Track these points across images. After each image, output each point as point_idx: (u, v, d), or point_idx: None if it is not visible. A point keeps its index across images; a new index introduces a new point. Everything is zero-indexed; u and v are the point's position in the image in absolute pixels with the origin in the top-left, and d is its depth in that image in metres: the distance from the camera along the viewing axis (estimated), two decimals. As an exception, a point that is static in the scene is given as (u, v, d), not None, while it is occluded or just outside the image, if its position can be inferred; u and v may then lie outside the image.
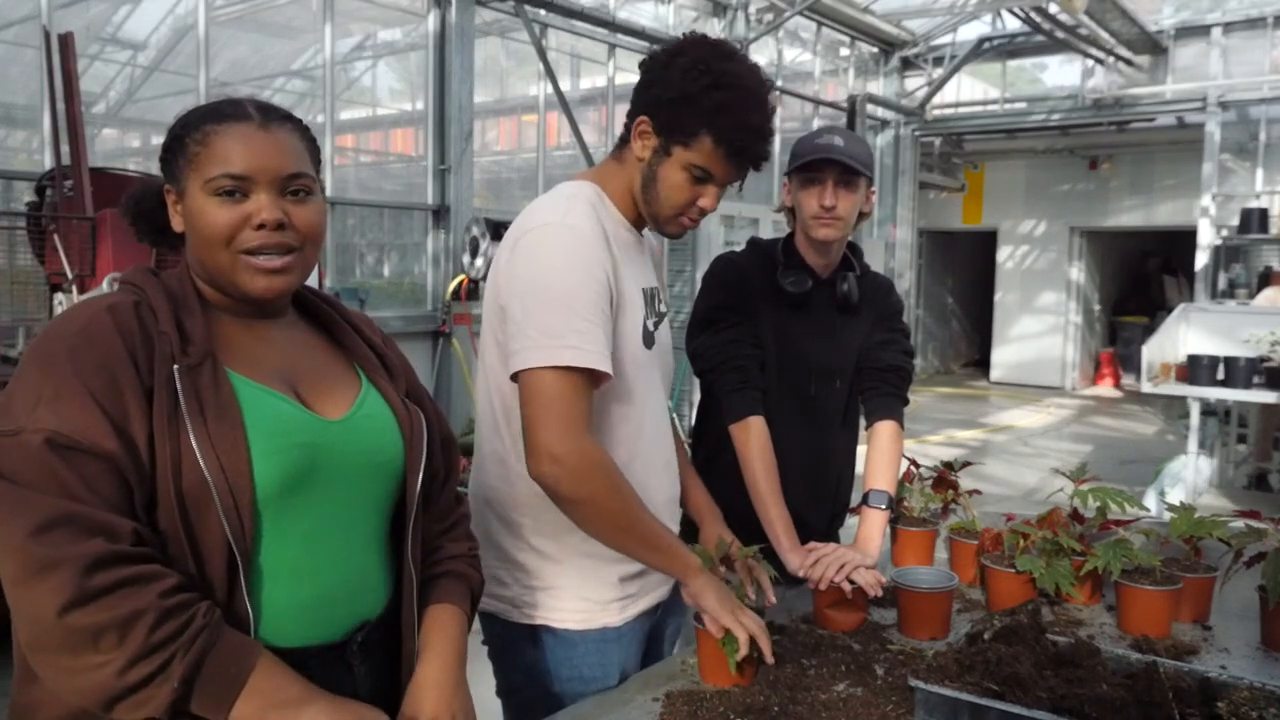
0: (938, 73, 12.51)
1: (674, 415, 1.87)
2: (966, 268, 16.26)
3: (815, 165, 1.96)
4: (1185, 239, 11.70)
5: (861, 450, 2.14)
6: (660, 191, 1.60)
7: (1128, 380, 14.04)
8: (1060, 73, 12.49)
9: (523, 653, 1.66)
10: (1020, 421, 11.34)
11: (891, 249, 12.48)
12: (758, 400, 1.98)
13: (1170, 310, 7.71)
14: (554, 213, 1.56)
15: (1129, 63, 11.28)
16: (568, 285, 1.49)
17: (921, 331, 15.06)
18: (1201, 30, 11.03)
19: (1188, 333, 6.92)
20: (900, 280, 12.25)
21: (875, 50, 12.38)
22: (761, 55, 10.24)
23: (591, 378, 1.49)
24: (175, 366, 1.09)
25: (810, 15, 10.46)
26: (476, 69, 7.57)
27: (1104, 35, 10.39)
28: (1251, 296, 8.90)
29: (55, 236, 4.18)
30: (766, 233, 7.71)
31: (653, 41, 8.30)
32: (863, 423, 2.15)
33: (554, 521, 1.56)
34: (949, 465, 2.20)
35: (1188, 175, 11.92)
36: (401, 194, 8.05)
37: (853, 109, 10.57)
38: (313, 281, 1.37)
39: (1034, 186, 14.33)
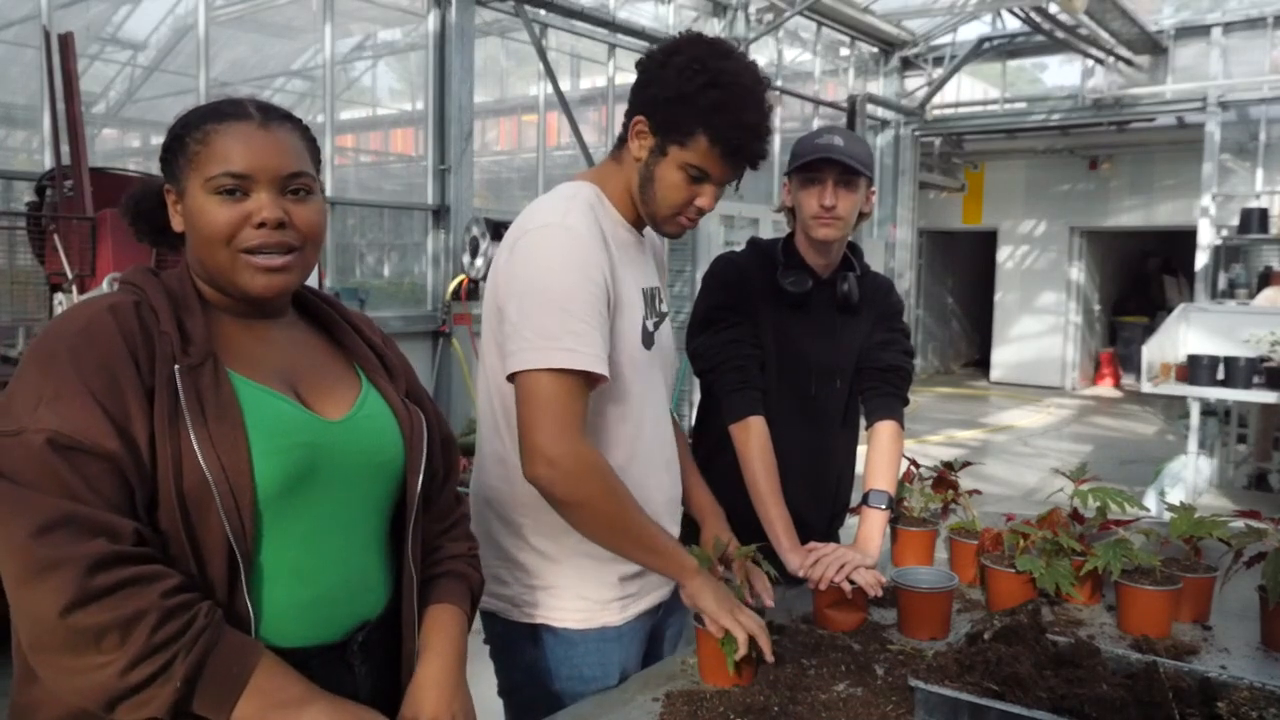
0: (938, 73, 12.51)
1: (674, 415, 1.87)
2: (966, 268, 16.26)
3: (815, 165, 1.96)
4: (1185, 239, 11.71)
5: (861, 450, 2.14)
6: (657, 191, 1.60)
7: (1128, 380, 14.04)
8: (1060, 73, 12.50)
9: (523, 652, 1.66)
10: (1020, 421, 11.34)
11: (891, 249, 12.48)
12: (758, 400, 1.98)
13: (1170, 310, 7.71)
14: (552, 214, 1.56)
15: (1129, 63, 11.28)
16: (564, 287, 1.49)
17: (921, 331, 15.06)
18: (1201, 30, 11.03)
19: (1188, 333, 6.91)
20: (900, 280, 12.25)
21: (875, 50, 12.38)
22: (761, 55, 10.24)
23: (587, 379, 1.50)
24: (176, 367, 1.09)
25: (810, 15, 10.46)
26: (476, 69, 7.58)
27: (1104, 35, 10.40)
28: (1251, 296, 8.90)
29: (55, 236, 4.18)
30: (766, 233, 7.71)
31: (653, 41, 8.29)
32: (863, 423, 2.15)
33: (554, 521, 1.56)
34: (949, 465, 2.20)
35: (1188, 175, 11.92)
36: (401, 194, 8.05)
37: (853, 109, 10.57)
38: (313, 281, 1.37)
39: (1034, 186, 14.33)
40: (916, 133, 12.82)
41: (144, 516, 1.06)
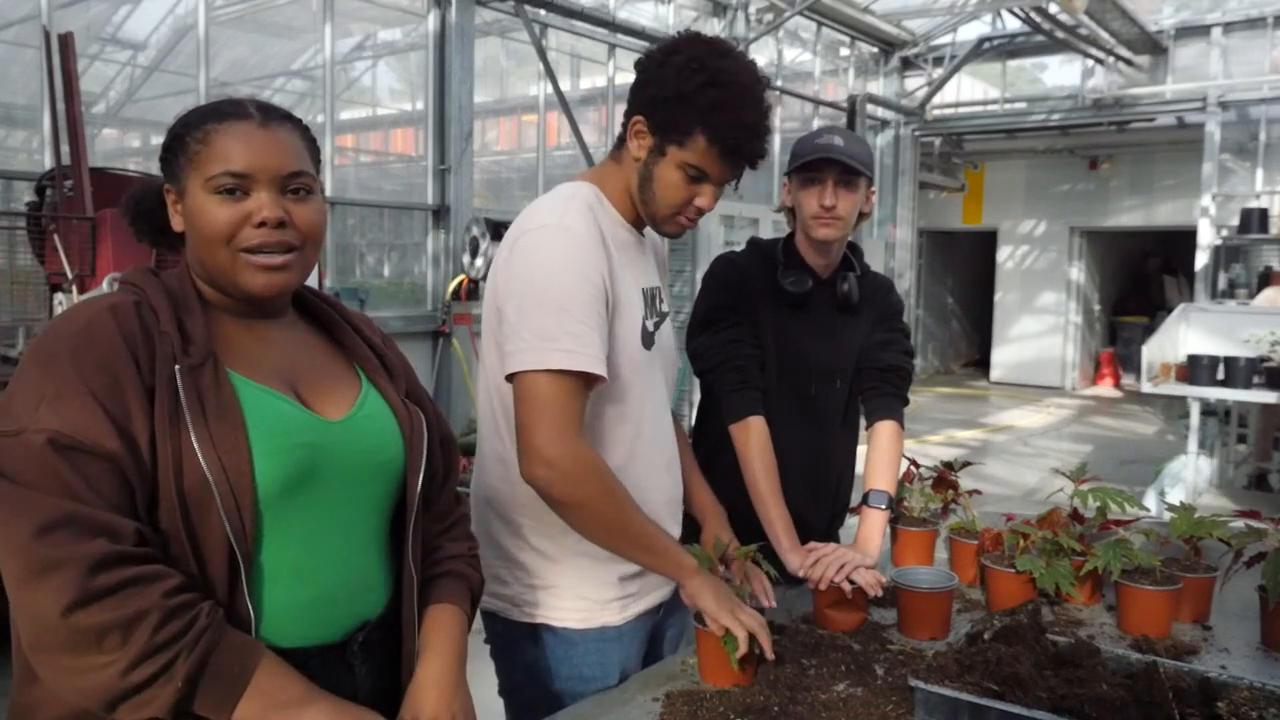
0: (938, 73, 12.51)
1: (676, 415, 1.87)
2: (966, 268, 16.26)
3: (815, 165, 1.96)
4: (1185, 239, 11.70)
5: (861, 450, 2.14)
6: (656, 191, 1.60)
7: (1128, 380, 14.04)
8: (1060, 73, 12.50)
9: (523, 651, 1.66)
10: (1020, 421, 11.34)
11: (891, 249, 12.48)
12: (758, 400, 1.98)
13: (1170, 310, 7.71)
14: (550, 215, 1.56)
15: (1129, 63, 11.28)
16: (562, 287, 1.49)
17: (921, 331, 15.06)
18: (1201, 30, 11.03)
19: (1188, 333, 6.92)
20: (900, 280, 12.25)
21: (875, 50, 12.38)
22: (761, 55, 10.24)
23: (585, 380, 1.50)
24: (176, 367, 1.09)
25: (810, 15, 10.46)
26: (476, 69, 7.58)
27: (1104, 35, 10.40)
28: (1251, 296, 8.90)
29: (55, 236, 4.18)
30: (766, 233, 7.71)
31: (653, 41, 8.29)
32: (863, 423, 2.15)
33: (554, 521, 1.56)
34: (949, 465, 2.20)
35: (1188, 175, 11.92)
36: (401, 194, 8.05)
37: (853, 109, 10.57)
38: (312, 281, 1.37)
39: (1034, 186, 14.33)
40: (916, 133, 12.82)
41: (144, 516, 1.06)
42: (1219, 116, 10.69)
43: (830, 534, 2.16)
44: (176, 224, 1.21)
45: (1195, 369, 6.37)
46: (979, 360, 16.39)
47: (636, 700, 1.50)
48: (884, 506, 1.98)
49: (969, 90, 13.29)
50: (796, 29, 11.05)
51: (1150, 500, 6.17)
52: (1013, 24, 11.37)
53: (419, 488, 1.28)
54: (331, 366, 1.29)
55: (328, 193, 6.72)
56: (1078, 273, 14.36)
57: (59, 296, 4.22)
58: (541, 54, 7.53)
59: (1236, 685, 1.33)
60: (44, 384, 1.04)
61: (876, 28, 11.57)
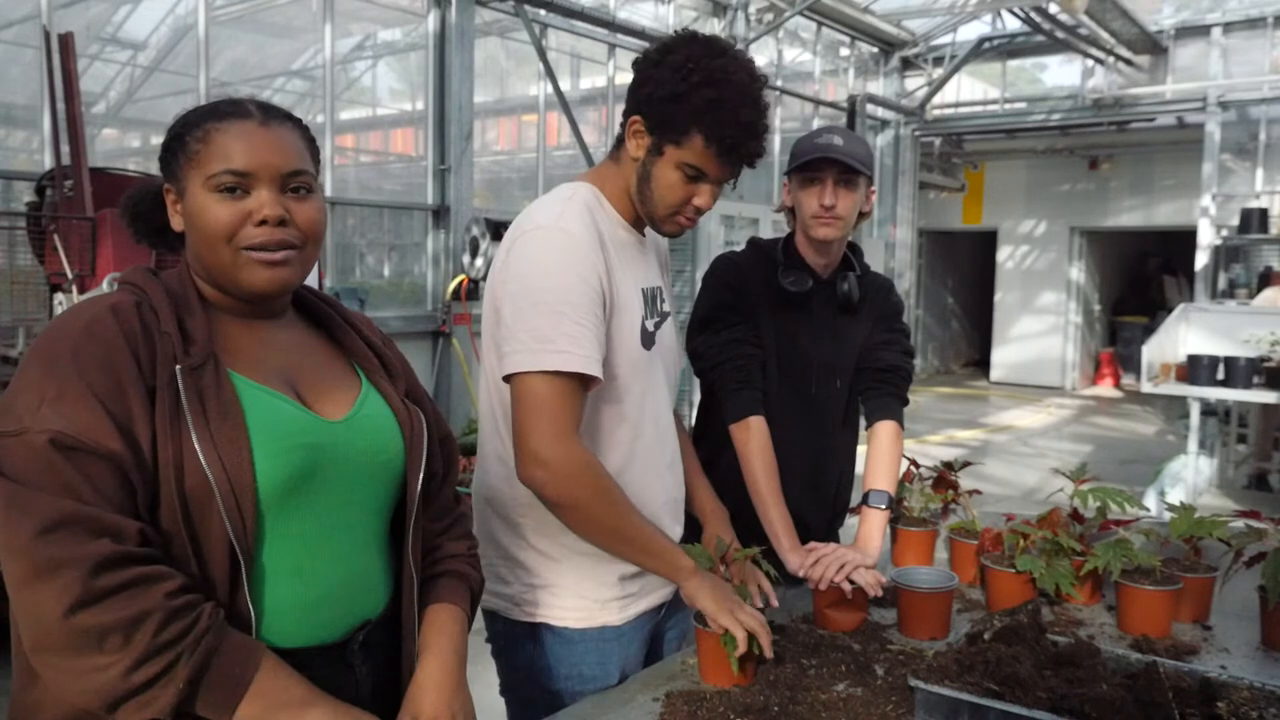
0: (938, 73, 12.52)
1: (678, 415, 1.87)
2: (966, 268, 16.26)
3: (815, 164, 1.96)
4: (1185, 239, 11.71)
5: (861, 450, 2.14)
6: (655, 191, 1.60)
7: (1128, 380, 14.05)
8: (1060, 73, 12.50)
9: (523, 650, 1.66)
10: (1020, 421, 11.34)
11: (891, 249, 12.48)
12: (758, 400, 1.98)
13: (1170, 310, 7.72)
14: (548, 216, 1.56)
15: (1129, 63, 11.29)
16: (559, 289, 1.49)
17: (921, 331, 15.06)
18: (1201, 30, 11.04)
19: (1188, 333, 6.92)
20: (900, 280, 12.25)
21: (875, 50, 12.39)
22: (761, 55, 10.24)
23: (581, 381, 1.50)
24: (178, 367, 1.09)
25: (810, 15, 10.47)
26: (476, 69, 7.58)
27: (1104, 35, 10.40)
28: (1251, 296, 8.90)
29: (55, 236, 4.18)
30: (766, 233, 7.71)
31: (653, 41, 8.29)
32: (863, 423, 2.15)
33: (554, 521, 1.56)
34: (949, 465, 2.20)
35: (1188, 175, 11.92)
36: (401, 194, 8.05)
37: (853, 109, 10.58)
38: (312, 281, 1.37)
39: (1034, 186, 14.33)
40: (916, 133, 12.82)
41: (146, 517, 1.06)
42: (1219, 116, 10.70)
43: (830, 534, 2.16)
44: (176, 224, 1.21)
45: (1195, 369, 6.37)
46: (979, 360, 16.39)
47: (636, 700, 1.50)
48: (884, 506, 1.98)
49: (969, 90, 13.29)
50: (796, 29, 11.05)
51: (1150, 500, 6.17)
52: (1013, 24, 11.38)
53: (419, 487, 1.28)
54: (331, 366, 1.29)
55: (328, 193, 6.72)
56: (1078, 273, 14.36)
57: (59, 296, 4.21)
58: (541, 54, 7.53)
59: (1236, 685, 1.33)
60: (45, 384, 1.04)
61: (876, 28, 11.57)
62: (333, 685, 1.13)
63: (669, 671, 1.60)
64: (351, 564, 1.23)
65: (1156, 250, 15.44)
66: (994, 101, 12.85)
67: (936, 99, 12.71)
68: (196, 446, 1.07)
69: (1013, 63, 12.63)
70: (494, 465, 1.66)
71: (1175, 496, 5.97)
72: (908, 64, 12.74)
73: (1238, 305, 8.39)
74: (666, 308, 1.77)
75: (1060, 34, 10.42)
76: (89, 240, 4.15)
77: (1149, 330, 10.00)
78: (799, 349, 2.07)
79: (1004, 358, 14.90)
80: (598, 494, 1.50)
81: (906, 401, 2.13)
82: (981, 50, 12.27)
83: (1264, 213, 9.88)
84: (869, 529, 1.95)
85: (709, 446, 2.06)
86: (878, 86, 12.46)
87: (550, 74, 7.56)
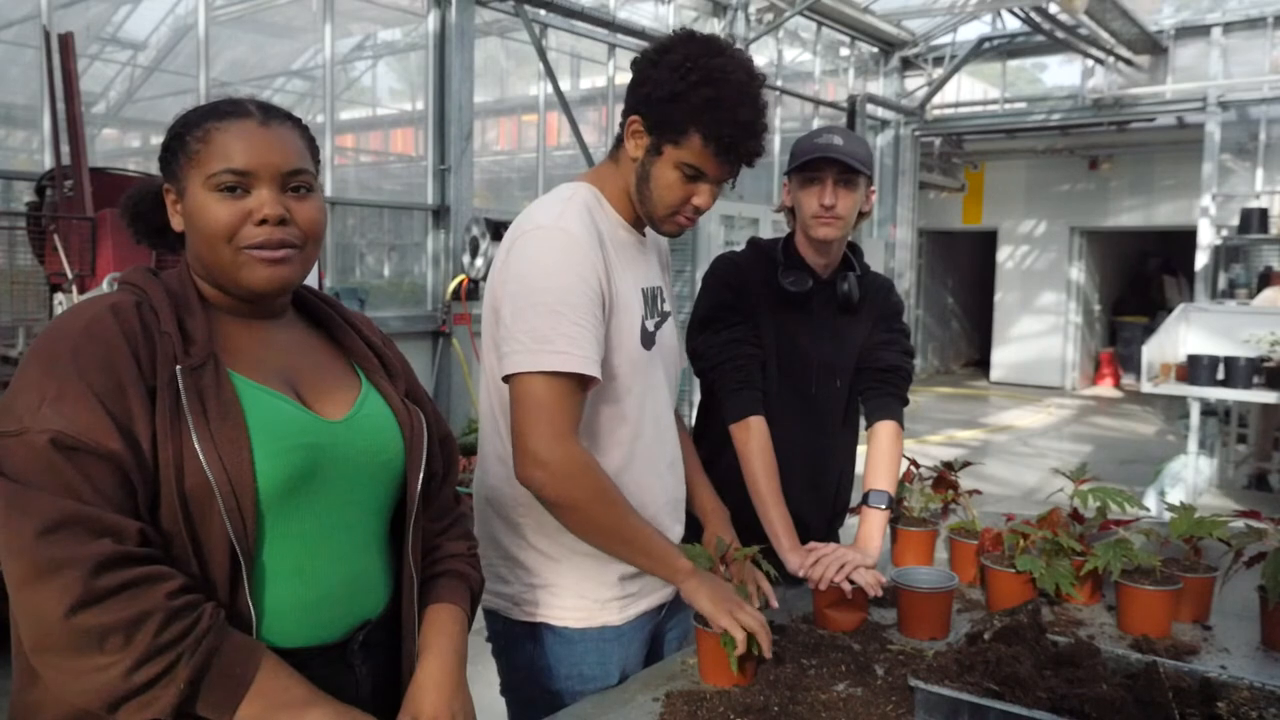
0: (938, 73, 12.52)
1: (679, 415, 1.87)
2: (966, 268, 16.26)
3: (814, 164, 1.96)
4: (1185, 239, 11.71)
5: (861, 450, 2.14)
6: (654, 191, 1.60)
7: (1128, 380, 14.05)
8: (1060, 73, 12.50)
9: (523, 650, 1.66)
10: (1020, 421, 11.34)
11: (891, 249, 12.48)
12: (758, 400, 1.98)
13: (1170, 310, 7.72)
14: (547, 216, 1.56)
15: (1129, 63, 11.29)
16: (558, 289, 1.49)
17: (921, 331, 15.06)
18: (1201, 30, 11.04)
19: (1188, 333, 6.92)
20: (900, 280, 12.25)
21: (875, 50, 12.39)
22: (761, 55, 10.24)
23: (580, 382, 1.50)
24: (178, 367, 1.09)
25: (810, 15, 10.47)
26: (476, 69, 7.58)
27: (1104, 35, 10.40)
28: (1251, 296, 8.90)
29: (55, 236, 4.18)
30: (766, 233, 7.71)
31: (652, 41, 8.29)
32: (863, 423, 2.15)
33: (554, 521, 1.56)
34: (949, 465, 2.20)
35: (1188, 175, 11.92)
36: (401, 194, 8.05)
37: (853, 109, 10.58)
38: (312, 281, 1.37)
39: (1034, 186, 14.33)
40: (916, 133, 12.82)
41: (146, 517, 1.06)
42: (1219, 116, 10.70)
43: (830, 534, 2.16)
44: (176, 224, 1.21)
45: (1195, 369, 6.37)
46: (979, 360, 16.39)
47: (636, 700, 1.50)
48: (884, 506, 1.98)
49: (969, 90, 13.29)
50: (796, 29, 11.05)
51: (1150, 500, 6.17)
52: (1013, 24, 11.38)
53: (419, 487, 1.28)
54: (331, 367, 1.29)
55: (328, 193, 6.71)
56: (1078, 273, 14.36)
57: (59, 296, 4.21)
58: (541, 54, 7.53)
59: (1236, 685, 1.33)
60: (46, 384, 1.04)
61: (876, 28, 11.58)
62: (333, 685, 1.13)
63: (669, 671, 1.60)
64: (351, 564, 1.23)
65: (1156, 250, 15.44)
66: (994, 101, 12.85)
67: (936, 99, 12.71)
68: (197, 446, 1.07)
69: (1013, 63, 12.63)
70: (494, 465, 1.66)
71: (1175, 496, 5.97)
72: (908, 64, 12.74)
73: (1238, 305, 8.39)
74: (667, 308, 1.77)
75: (1060, 34, 10.42)
76: (89, 240, 4.15)
77: (1149, 330, 10.00)
78: (799, 349, 2.07)
79: (1004, 358, 14.90)
80: (596, 495, 1.50)
81: (906, 401, 2.13)
82: (981, 50, 12.27)
83: (1264, 213, 9.88)
84: (869, 529, 1.95)
85: (709, 446, 2.06)
86: (878, 86, 12.47)
87: (550, 74, 7.56)
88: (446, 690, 1.22)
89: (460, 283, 7.11)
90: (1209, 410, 7.06)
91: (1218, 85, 10.75)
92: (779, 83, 10.49)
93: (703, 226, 7.27)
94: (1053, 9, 9.72)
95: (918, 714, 1.37)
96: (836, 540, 2.06)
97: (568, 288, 1.50)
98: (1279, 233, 9.85)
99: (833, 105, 11.34)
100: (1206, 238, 10.73)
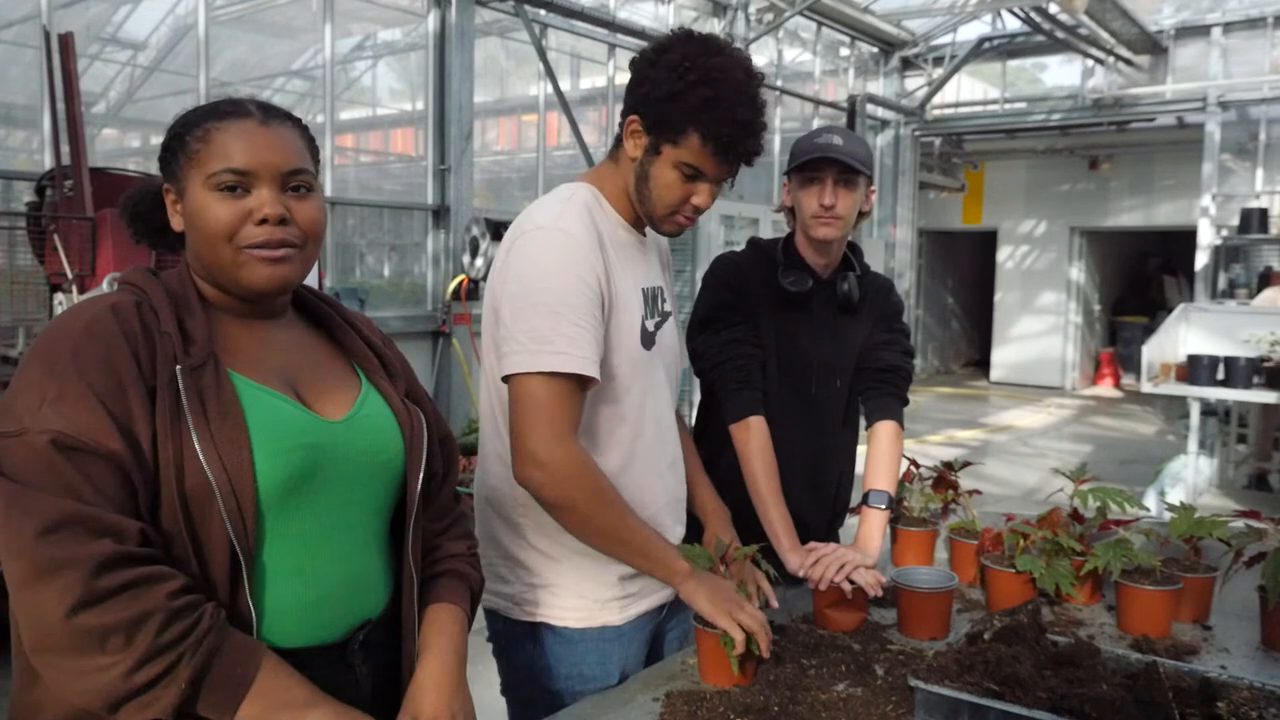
0: (938, 73, 12.52)
1: (680, 415, 1.87)
2: (966, 268, 16.26)
3: (814, 164, 1.96)
4: (1185, 239, 11.71)
5: (861, 450, 2.14)
6: (653, 190, 1.60)
7: (1128, 380, 14.05)
8: (1060, 73, 12.50)
9: (523, 650, 1.66)
10: (1020, 421, 11.34)
11: (891, 249, 12.48)
12: (758, 400, 1.98)
13: (1170, 310, 7.72)
14: (547, 216, 1.56)
15: (1129, 63, 11.29)
16: (557, 289, 1.49)
17: (921, 331, 15.06)
18: (1201, 30, 11.04)
19: (1188, 333, 6.92)
20: (900, 280, 12.26)
21: (875, 50, 12.39)
22: (761, 55, 10.24)
23: (579, 382, 1.50)
24: (178, 367, 1.09)
25: (810, 15, 10.47)
26: (476, 69, 7.58)
27: (1104, 35, 10.40)
28: (1251, 296, 8.90)
29: (55, 236, 4.18)
30: (766, 233, 7.71)
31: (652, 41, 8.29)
32: (863, 423, 2.15)
33: (554, 521, 1.56)
34: (949, 465, 2.20)
35: (1188, 175, 11.93)
36: (401, 194, 8.05)
37: (853, 109, 10.58)
38: (312, 281, 1.37)
39: (1034, 186, 14.33)
40: (916, 133, 12.82)
41: (147, 517, 1.06)
42: (1219, 116, 10.70)
43: (830, 534, 2.16)
44: (176, 224, 1.21)
45: (1195, 369, 6.37)
46: (979, 360, 16.39)
47: (636, 700, 1.50)
48: (884, 506, 1.98)
49: (969, 90, 13.29)
50: (796, 29, 11.05)
51: (1150, 500, 6.17)
52: (1013, 24, 11.38)
53: (419, 487, 1.28)
54: (331, 366, 1.29)
55: (328, 193, 6.71)
56: (1078, 273, 14.36)
57: (59, 296, 4.21)
58: (541, 54, 7.53)
59: (1236, 685, 1.33)
60: (46, 384, 1.04)
61: (876, 28, 11.58)
62: (333, 685, 1.13)
63: (669, 671, 1.60)
64: (351, 564, 1.23)
65: (1156, 250, 15.44)
66: (994, 101, 12.85)
67: (936, 99, 12.71)
68: (197, 447, 1.07)
69: (1013, 63, 12.63)
70: (494, 465, 1.66)
71: (1175, 496, 5.97)
72: (908, 64, 12.74)
73: (1238, 305, 8.39)
74: (667, 308, 1.77)
75: (1060, 34, 10.43)
76: (89, 240, 4.15)
77: (1149, 330, 10.00)
78: (799, 349, 2.07)
79: (1004, 358, 14.90)
80: (594, 496, 1.50)
81: (906, 401, 2.13)
82: (981, 50, 12.27)
83: (1264, 213, 9.88)
84: (869, 529, 1.95)
85: (709, 446, 2.06)
86: (878, 86, 12.47)
87: (550, 74, 7.56)
88: (446, 690, 1.22)
89: (460, 283, 7.11)
90: (1209, 410, 7.06)
91: (1218, 85, 10.75)
92: (779, 83, 10.49)
93: (703, 226, 7.27)
94: (1053, 9, 9.72)
95: (918, 714, 1.37)
96: (836, 540, 2.06)
97: (567, 288, 1.50)
98: (1279, 233, 9.85)
99: (833, 105, 11.34)
100: (1206, 238, 10.73)
